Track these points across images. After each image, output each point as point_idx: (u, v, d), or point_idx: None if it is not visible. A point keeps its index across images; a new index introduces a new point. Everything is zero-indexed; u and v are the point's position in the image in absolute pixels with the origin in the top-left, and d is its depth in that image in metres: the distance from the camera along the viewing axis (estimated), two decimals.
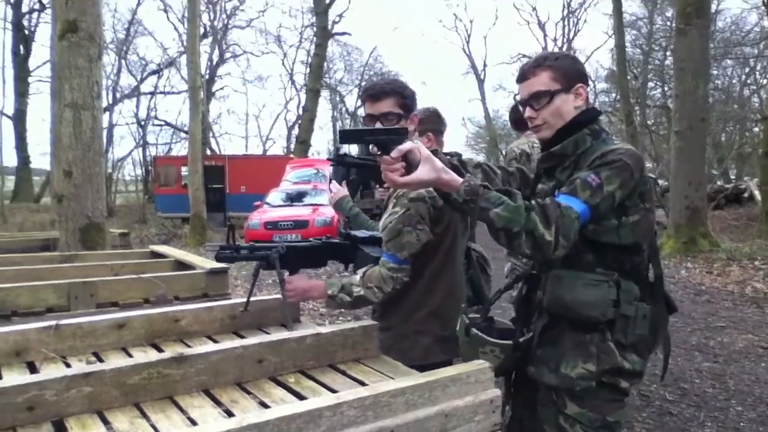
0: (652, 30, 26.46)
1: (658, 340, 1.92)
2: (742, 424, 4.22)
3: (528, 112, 1.93)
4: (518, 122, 3.12)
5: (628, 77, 20.35)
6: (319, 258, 2.28)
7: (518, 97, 1.97)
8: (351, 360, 1.89)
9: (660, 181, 24.58)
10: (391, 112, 2.26)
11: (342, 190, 3.13)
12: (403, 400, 1.45)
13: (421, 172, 1.64)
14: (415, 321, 2.25)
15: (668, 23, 25.52)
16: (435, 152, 1.77)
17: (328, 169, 18.84)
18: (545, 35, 41.59)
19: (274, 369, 1.76)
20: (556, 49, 40.55)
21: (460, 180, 1.69)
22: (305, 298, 2.25)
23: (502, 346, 1.81)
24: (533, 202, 1.70)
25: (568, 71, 1.89)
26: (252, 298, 2.22)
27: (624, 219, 1.78)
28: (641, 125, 21.25)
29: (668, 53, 24.91)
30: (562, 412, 1.85)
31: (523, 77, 1.93)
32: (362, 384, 1.71)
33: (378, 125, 2.25)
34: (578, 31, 41.39)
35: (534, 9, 60.78)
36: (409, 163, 1.67)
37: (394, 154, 1.66)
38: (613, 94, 29.04)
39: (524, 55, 38.87)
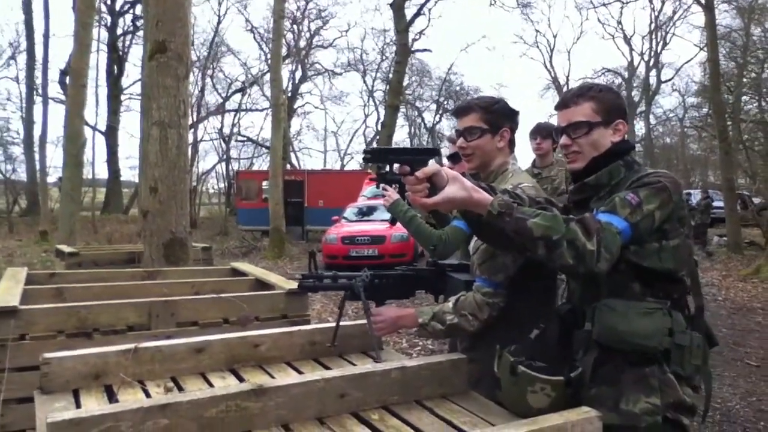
0: (748, 42, 25.12)
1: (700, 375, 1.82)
2: None
3: (563, 140, 1.91)
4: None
5: (722, 91, 19.36)
6: (407, 287, 2.17)
7: (556, 126, 1.96)
8: (438, 396, 1.77)
9: (755, 199, 23.33)
10: (473, 127, 2.24)
11: (396, 194, 3.05)
12: None
13: (451, 191, 1.61)
14: None
15: (766, 35, 24.21)
16: (462, 174, 1.74)
17: None
18: (631, 49, 40.52)
19: (357, 404, 1.65)
20: (643, 64, 39.61)
21: (492, 197, 1.65)
22: (396, 329, 2.14)
23: (554, 383, 1.65)
24: (570, 215, 1.68)
25: (611, 106, 1.88)
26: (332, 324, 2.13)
27: (665, 243, 1.74)
28: (735, 141, 20.16)
29: (766, 66, 23.61)
30: None
31: (564, 105, 1.92)
32: (451, 425, 1.59)
33: (461, 140, 2.25)
34: (666, 44, 39.79)
35: (620, 23, 58.86)
36: (434, 185, 1.65)
37: (418, 175, 1.65)
38: (704, 109, 27.81)
39: (608, 70, 37.95)
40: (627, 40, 40.32)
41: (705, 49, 20.54)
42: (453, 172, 1.65)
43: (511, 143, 2.29)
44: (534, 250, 1.62)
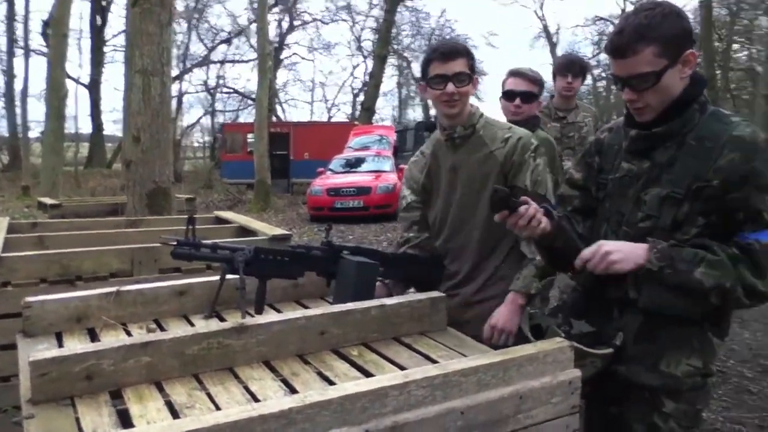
0: None
1: None
2: None
3: (627, 94, 1.65)
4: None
5: (713, 39, 19.18)
6: (296, 267, 2.01)
7: (612, 73, 1.69)
8: (416, 333, 1.81)
9: None
10: (464, 73, 2.15)
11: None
12: (474, 379, 1.35)
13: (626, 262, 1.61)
14: None
15: None
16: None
17: (392, 136, 18.75)
18: None
19: (337, 341, 1.69)
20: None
21: (644, 247, 1.60)
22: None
23: (604, 356, 1.65)
24: (733, 250, 1.56)
25: (675, 38, 1.58)
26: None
27: None
28: (723, 89, 20.14)
29: (760, 12, 23.38)
30: (658, 410, 1.70)
31: (620, 53, 1.61)
32: (428, 358, 1.63)
33: (450, 86, 2.14)
34: None
35: None
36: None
37: (577, 263, 1.66)
38: None
39: (600, 18, 37.37)
40: None
41: None
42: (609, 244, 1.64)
43: None
44: (703, 301, 1.58)
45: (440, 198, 2.30)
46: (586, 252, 1.65)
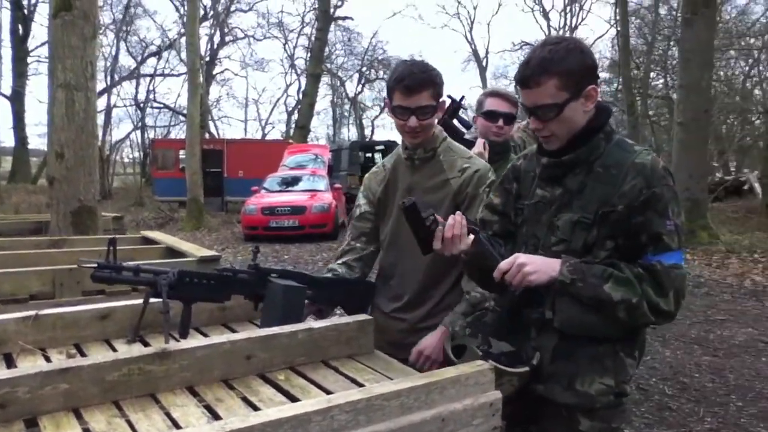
0: (656, 19, 26.17)
1: None
2: (742, 419, 4.15)
3: (533, 123, 1.76)
4: None
5: (631, 67, 20.14)
6: (222, 290, 1.96)
7: (521, 102, 1.80)
8: (344, 356, 1.81)
9: None
10: (429, 106, 2.13)
11: None
12: (398, 403, 1.36)
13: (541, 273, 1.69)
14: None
15: (673, 12, 25.24)
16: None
17: (327, 155, 18.76)
18: (549, 24, 41.36)
19: (264, 365, 1.67)
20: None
21: (558, 261, 1.68)
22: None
23: (521, 374, 1.69)
24: (638, 270, 1.66)
25: (578, 73, 1.67)
26: None
27: None
28: (642, 116, 21.07)
29: (672, 43, 24.67)
30: (575, 429, 1.76)
31: (524, 84, 1.71)
32: (355, 382, 1.64)
33: (412, 119, 2.14)
34: (582, 19, 40.82)
35: None
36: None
37: (496, 274, 1.73)
38: (615, 84, 28.90)
39: (527, 43, 38.58)
40: (545, 15, 41.21)
41: (616, 24, 21.27)
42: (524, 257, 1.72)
43: None
44: (614, 313, 1.65)
45: (393, 216, 2.30)
46: (504, 263, 1.73)
